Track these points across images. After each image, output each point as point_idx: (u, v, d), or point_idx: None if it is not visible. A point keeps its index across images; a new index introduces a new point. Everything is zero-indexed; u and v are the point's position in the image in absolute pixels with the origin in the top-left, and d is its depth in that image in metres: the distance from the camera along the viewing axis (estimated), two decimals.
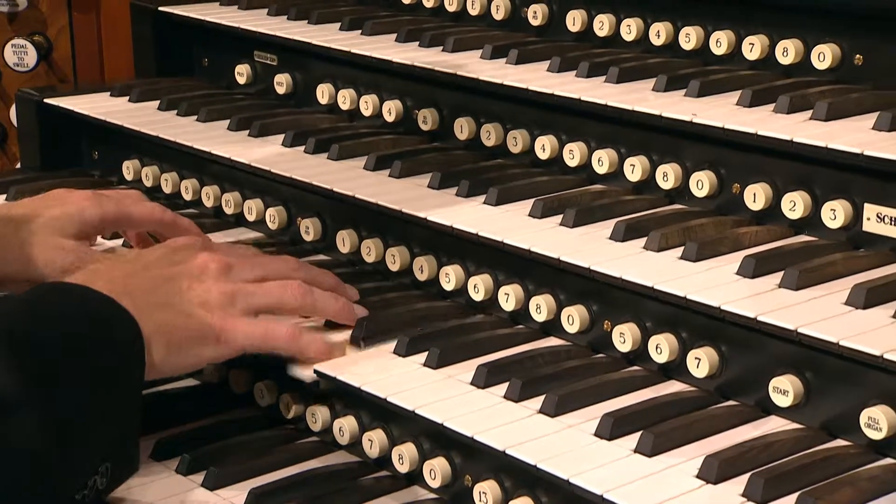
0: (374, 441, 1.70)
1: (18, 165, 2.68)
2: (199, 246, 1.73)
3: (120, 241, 2.15)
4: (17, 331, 1.45)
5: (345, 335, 1.75)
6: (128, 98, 2.51)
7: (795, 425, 1.54)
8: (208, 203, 2.27)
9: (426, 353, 1.71)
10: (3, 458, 1.31)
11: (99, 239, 2.13)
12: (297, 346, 1.68)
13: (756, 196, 1.75)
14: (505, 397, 1.61)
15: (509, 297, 1.79)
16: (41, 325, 1.48)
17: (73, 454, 1.42)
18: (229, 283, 1.66)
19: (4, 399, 1.35)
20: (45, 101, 2.52)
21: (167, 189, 2.35)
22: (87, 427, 1.44)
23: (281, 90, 2.44)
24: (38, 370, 1.41)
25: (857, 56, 1.83)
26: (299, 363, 1.70)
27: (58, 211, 1.89)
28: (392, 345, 1.74)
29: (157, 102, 2.47)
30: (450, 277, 1.87)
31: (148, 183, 2.39)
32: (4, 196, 2.39)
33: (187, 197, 2.31)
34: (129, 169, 2.43)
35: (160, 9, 2.62)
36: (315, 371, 1.69)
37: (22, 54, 2.76)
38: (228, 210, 2.23)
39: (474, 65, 2.08)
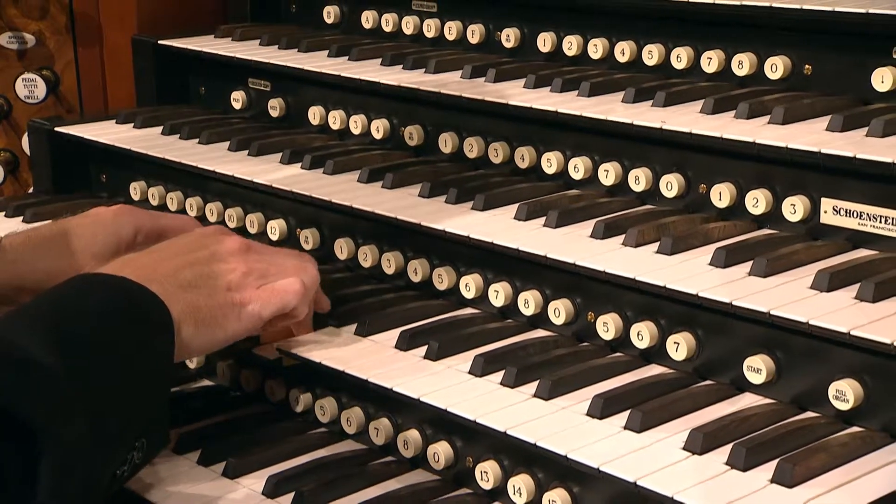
0: (379, 429, 1.69)
1: (31, 190, 2.65)
2: (221, 231, 1.72)
3: None
4: (56, 321, 1.43)
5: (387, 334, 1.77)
6: (132, 125, 2.50)
7: (769, 400, 1.55)
8: (212, 218, 2.25)
9: (426, 346, 1.70)
10: (52, 442, 1.29)
11: None
12: (310, 298, 1.69)
13: (721, 195, 1.75)
14: (501, 384, 1.61)
15: (499, 294, 1.79)
16: (77, 312, 1.46)
17: (114, 434, 1.41)
18: (250, 262, 1.65)
19: (48, 386, 1.32)
20: (56, 129, 2.50)
21: (172, 207, 2.33)
22: (124, 409, 1.43)
23: (274, 113, 2.43)
24: (78, 358, 1.38)
25: (807, 66, 1.85)
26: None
27: (94, 229, 1.84)
28: (394, 340, 1.74)
29: (161, 128, 2.45)
30: (442, 278, 1.87)
31: (154, 202, 2.37)
32: (21, 217, 2.37)
33: (192, 213, 2.29)
34: (136, 190, 2.41)
35: (159, 42, 2.61)
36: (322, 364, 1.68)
37: (32, 87, 2.74)
38: (231, 224, 2.21)
39: (455, 84, 2.08)
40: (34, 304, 1.50)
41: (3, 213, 2.42)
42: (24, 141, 2.75)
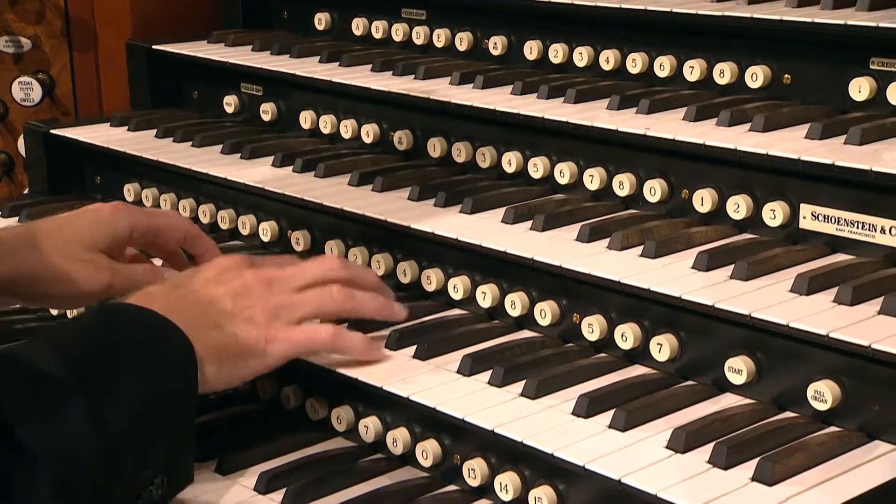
0: (369, 427, 1.68)
1: (26, 191, 2.63)
2: (244, 264, 1.66)
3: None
4: (78, 350, 1.41)
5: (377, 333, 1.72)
6: (126, 128, 2.48)
7: (749, 400, 1.55)
8: (205, 220, 2.24)
9: (415, 346, 1.70)
10: (61, 469, 1.27)
11: None
12: (341, 345, 1.63)
13: (703, 200, 1.76)
14: (489, 383, 1.61)
15: (486, 296, 1.79)
16: (104, 346, 1.44)
17: (127, 472, 1.38)
18: (272, 297, 1.61)
19: (65, 419, 1.31)
20: (52, 132, 2.49)
21: (166, 208, 2.31)
22: (141, 445, 1.40)
23: (266, 118, 2.42)
24: (98, 391, 1.36)
25: (786, 76, 1.85)
26: None
27: (89, 221, 1.81)
28: (383, 340, 1.73)
29: (154, 131, 2.44)
30: (431, 279, 1.86)
31: (148, 203, 2.35)
32: (16, 218, 2.35)
33: (185, 215, 2.27)
34: (129, 191, 2.39)
35: (154, 47, 2.60)
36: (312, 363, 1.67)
37: (28, 90, 2.72)
38: (224, 226, 2.20)
39: (444, 90, 2.08)
40: (60, 330, 1.50)
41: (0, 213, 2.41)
42: (20, 143, 2.73)
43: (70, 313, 2.04)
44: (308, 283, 1.67)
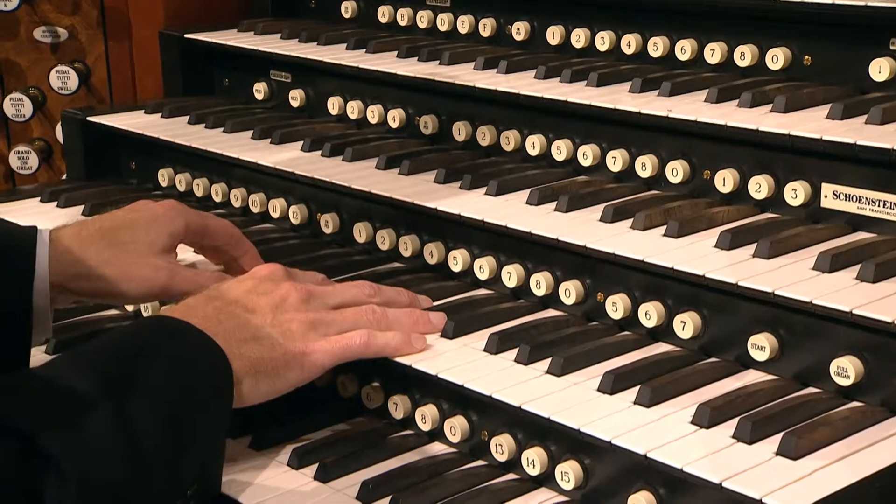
0: (398, 404, 1.67)
1: (64, 177, 2.62)
2: (280, 276, 1.63)
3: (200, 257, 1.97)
4: (110, 366, 1.38)
5: None
6: (160, 114, 2.47)
7: (772, 376, 1.52)
8: (236, 204, 2.22)
9: (443, 326, 1.67)
10: (89, 482, 1.24)
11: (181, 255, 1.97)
12: (375, 349, 1.59)
13: (725, 180, 1.72)
14: (515, 361, 1.58)
15: (511, 276, 1.76)
16: (135, 359, 1.41)
17: (158, 484, 1.34)
18: (310, 311, 1.58)
19: (92, 432, 1.28)
20: (88, 119, 2.47)
21: (199, 193, 2.30)
22: (174, 458, 1.37)
23: (295, 104, 2.40)
24: (127, 403, 1.33)
25: (807, 57, 1.82)
26: None
27: (147, 223, 1.77)
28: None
29: (187, 117, 2.42)
30: (457, 260, 1.84)
31: (181, 188, 2.34)
32: (55, 203, 2.34)
33: (217, 199, 2.27)
34: (163, 176, 2.38)
35: (186, 36, 2.58)
36: None
37: (65, 79, 2.71)
38: (255, 209, 2.19)
39: (468, 75, 2.05)
40: (93, 344, 1.46)
41: (39, 198, 2.39)
42: (58, 130, 2.73)
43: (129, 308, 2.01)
44: (344, 303, 1.64)
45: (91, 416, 1.28)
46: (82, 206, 2.28)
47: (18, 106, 2.77)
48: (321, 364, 1.56)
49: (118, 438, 1.29)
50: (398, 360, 1.61)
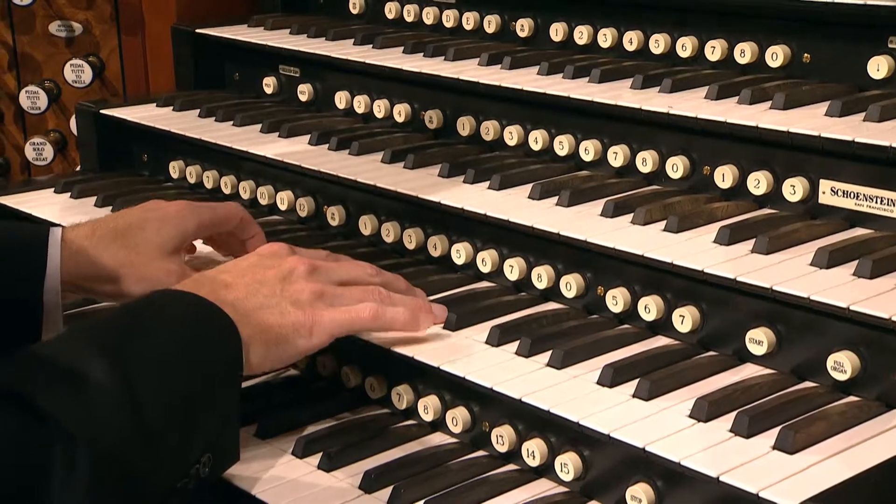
0: (402, 395, 1.64)
1: (78, 168, 2.60)
2: (286, 252, 1.61)
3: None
4: (121, 333, 1.36)
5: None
6: (171, 108, 2.44)
7: (769, 371, 1.49)
8: (245, 196, 2.19)
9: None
10: (99, 451, 1.22)
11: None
12: (383, 322, 1.57)
13: (724, 176, 1.69)
14: (516, 353, 1.56)
15: (513, 269, 1.73)
16: (146, 326, 1.39)
17: (171, 447, 1.33)
18: (317, 283, 1.56)
19: (99, 401, 1.26)
20: (101, 112, 2.44)
21: (209, 185, 2.28)
22: (184, 423, 1.35)
23: (303, 98, 2.37)
24: (133, 369, 1.30)
25: (806, 55, 1.78)
26: None
27: (158, 224, 1.74)
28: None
29: (198, 111, 2.39)
30: (460, 253, 1.81)
31: (191, 180, 2.31)
32: (68, 194, 2.31)
33: (226, 191, 2.24)
34: (174, 168, 2.35)
35: (197, 31, 2.54)
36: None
37: (79, 72, 2.68)
38: (263, 201, 2.16)
39: (473, 71, 2.02)
40: (107, 315, 1.44)
41: (53, 189, 2.37)
42: (73, 122, 2.70)
43: None
44: (348, 280, 1.61)
45: (99, 387, 1.26)
46: (94, 198, 2.25)
47: (34, 98, 2.74)
48: (329, 332, 1.53)
49: (127, 407, 1.27)
50: (401, 351, 1.58)
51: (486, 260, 1.77)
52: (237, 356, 1.45)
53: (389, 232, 1.91)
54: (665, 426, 1.36)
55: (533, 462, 1.48)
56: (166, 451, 1.32)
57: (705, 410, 1.37)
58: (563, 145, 1.89)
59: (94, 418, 1.24)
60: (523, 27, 2.15)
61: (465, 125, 2.04)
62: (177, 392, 1.35)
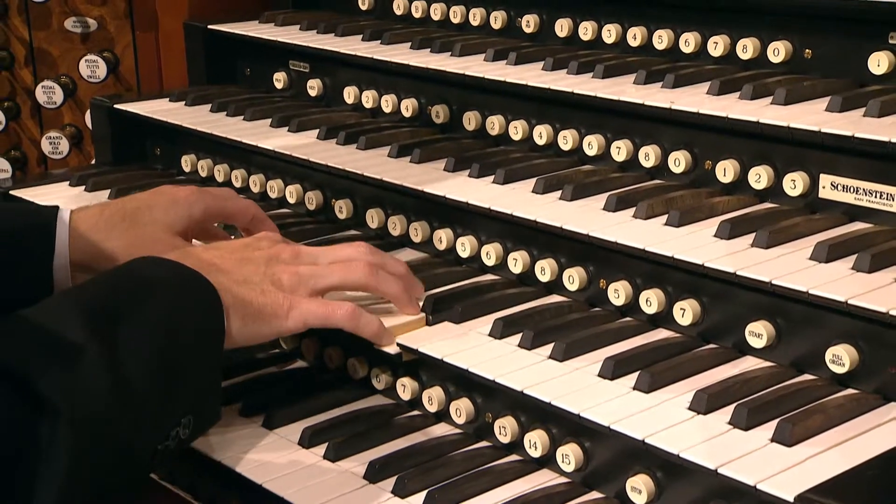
0: (406, 386, 1.63)
1: (93, 161, 2.60)
2: (277, 238, 1.62)
3: None
4: (103, 298, 1.36)
5: (400, 320, 1.61)
6: (184, 102, 2.43)
7: (768, 363, 1.48)
8: (255, 189, 2.19)
9: (449, 311, 1.64)
10: (82, 416, 1.22)
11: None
12: (355, 325, 1.55)
13: (726, 171, 1.68)
14: (519, 346, 1.54)
15: (517, 262, 1.72)
16: (123, 293, 1.39)
17: (152, 410, 1.33)
18: (301, 266, 1.56)
19: (81, 366, 1.25)
20: (115, 106, 2.44)
21: (220, 178, 2.27)
22: (165, 386, 1.35)
23: (313, 93, 2.36)
24: (114, 333, 1.30)
25: (807, 51, 1.76)
26: None
27: (166, 206, 1.74)
28: (420, 304, 1.67)
29: (209, 105, 2.38)
30: (465, 246, 1.80)
31: (203, 174, 2.31)
32: (83, 187, 2.31)
33: (237, 185, 2.23)
34: (186, 162, 2.35)
35: (209, 27, 2.54)
36: None
37: (94, 68, 2.68)
38: (272, 195, 2.15)
39: (479, 66, 2.01)
40: (90, 282, 1.44)
41: (68, 182, 2.36)
42: (87, 117, 2.70)
43: None
44: (336, 259, 1.61)
45: (80, 352, 1.26)
46: (108, 191, 2.25)
47: (50, 93, 2.74)
48: (304, 319, 1.53)
49: (108, 372, 1.27)
50: (406, 343, 1.57)
51: (490, 253, 1.76)
52: (219, 322, 1.45)
53: (396, 225, 1.90)
54: (665, 418, 1.35)
55: (535, 453, 1.47)
56: (150, 417, 1.33)
57: (705, 403, 1.36)
58: (567, 140, 1.87)
59: (78, 388, 1.24)
60: (529, 23, 2.13)
61: (470, 120, 2.03)
62: (160, 358, 1.35)
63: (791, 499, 1.18)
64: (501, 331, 1.57)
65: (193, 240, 1.83)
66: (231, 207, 1.82)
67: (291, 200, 2.11)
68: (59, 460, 1.20)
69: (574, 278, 1.66)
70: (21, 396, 1.20)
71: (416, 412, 1.63)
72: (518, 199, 1.73)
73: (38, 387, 1.21)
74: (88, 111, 2.64)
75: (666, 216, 1.61)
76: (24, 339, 1.26)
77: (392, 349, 1.58)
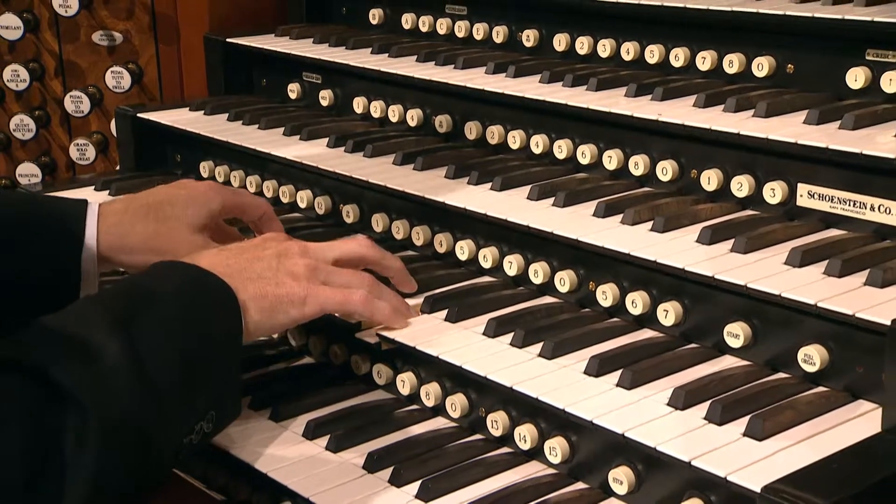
0: (405, 382, 1.67)
1: (117, 167, 2.65)
2: (285, 237, 1.66)
3: None
4: (125, 302, 1.40)
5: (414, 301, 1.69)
6: (203, 112, 2.48)
7: (745, 362, 1.51)
8: (268, 194, 2.23)
9: (446, 310, 1.68)
10: (107, 415, 1.25)
11: None
12: (370, 309, 1.60)
13: (710, 179, 1.71)
14: (510, 344, 1.58)
15: (512, 265, 1.76)
16: (148, 293, 1.43)
17: (177, 406, 1.36)
18: (312, 259, 1.60)
19: (105, 366, 1.28)
20: (139, 115, 2.49)
21: (235, 184, 2.32)
22: (189, 383, 1.38)
23: (324, 103, 2.40)
24: (136, 336, 1.33)
25: (789, 66, 1.80)
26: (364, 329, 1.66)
27: (186, 200, 1.78)
28: (419, 304, 1.71)
29: (227, 115, 2.43)
30: (463, 249, 1.84)
31: (220, 179, 2.35)
32: (107, 191, 2.36)
33: (251, 190, 2.27)
34: (205, 169, 2.40)
35: (228, 40, 2.59)
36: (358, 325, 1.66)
37: (119, 79, 2.74)
38: (284, 199, 2.20)
39: (480, 79, 2.05)
40: (114, 287, 1.47)
41: (93, 186, 2.41)
42: (113, 125, 2.75)
43: None
44: (342, 255, 1.65)
45: (104, 354, 1.29)
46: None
47: (78, 102, 2.80)
48: (321, 305, 1.56)
49: (131, 371, 1.29)
50: (404, 341, 1.62)
51: (487, 256, 1.80)
52: (236, 319, 1.48)
53: (399, 229, 1.94)
54: (645, 414, 1.39)
55: (524, 446, 1.51)
56: (174, 413, 1.35)
57: (682, 399, 1.40)
58: (561, 149, 1.91)
59: (104, 388, 1.26)
60: (529, 37, 2.17)
61: (472, 129, 2.07)
62: (182, 356, 1.38)
63: (758, 489, 1.22)
64: (494, 330, 1.61)
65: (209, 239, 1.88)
66: (247, 201, 1.87)
67: (302, 205, 2.15)
68: (88, 459, 1.21)
69: (565, 281, 1.70)
70: (51, 398, 1.22)
71: (414, 406, 1.67)
72: (513, 206, 1.77)
73: (67, 389, 1.23)
74: (113, 119, 2.70)
75: (651, 222, 1.64)
76: (54, 342, 1.29)
77: (372, 339, 1.63)
